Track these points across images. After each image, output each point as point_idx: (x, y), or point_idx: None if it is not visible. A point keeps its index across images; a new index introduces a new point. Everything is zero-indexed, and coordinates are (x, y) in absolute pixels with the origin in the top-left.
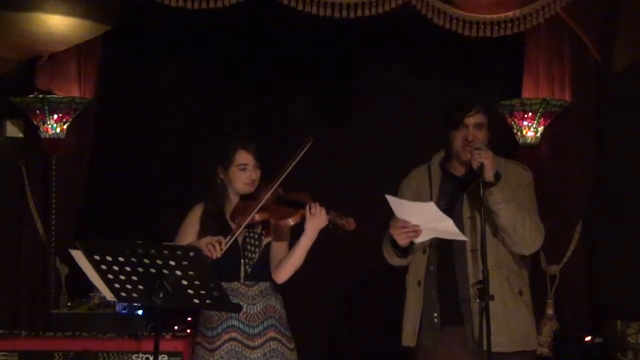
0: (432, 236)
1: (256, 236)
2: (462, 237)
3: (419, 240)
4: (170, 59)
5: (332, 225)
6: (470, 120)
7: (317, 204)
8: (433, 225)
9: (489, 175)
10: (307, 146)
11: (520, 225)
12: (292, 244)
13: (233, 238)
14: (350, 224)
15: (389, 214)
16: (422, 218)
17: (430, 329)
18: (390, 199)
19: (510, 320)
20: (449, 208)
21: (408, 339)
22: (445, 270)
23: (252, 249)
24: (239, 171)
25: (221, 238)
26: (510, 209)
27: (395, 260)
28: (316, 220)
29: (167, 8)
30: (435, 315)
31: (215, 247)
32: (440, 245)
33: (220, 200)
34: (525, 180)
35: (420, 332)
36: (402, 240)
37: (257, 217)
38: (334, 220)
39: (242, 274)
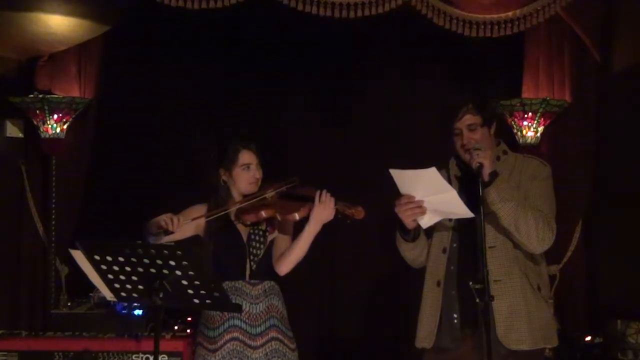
0: (438, 218)
1: (261, 233)
2: (468, 214)
3: (425, 223)
4: (170, 59)
5: (342, 215)
6: (461, 124)
7: (325, 190)
8: (437, 199)
9: (486, 174)
10: (290, 185)
11: (524, 224)
12: (294, 237)
13: (219, 214)
14: (359, 212)
15: (389, 213)
16: (426, 189)
17: (451, 329)
18: (394, 172)
19: (532, 316)
20: (469, 207)
21: (424, 340)
22: (466, 269)
23: (258, 245)
24: (242, 171)
25: (180, 217)
26: (508, 208)
27: (403, 247)
28: (323, 209)
29: (167, 8)
30: (456, 316)
31: (173, 221)
32: (462, 245)
33: (224, 202)
34: (542, 174)
35: (438, 333)
36: (407, 218)
37: (264, 214)
38: (343, 210)
39: (248, 272)
